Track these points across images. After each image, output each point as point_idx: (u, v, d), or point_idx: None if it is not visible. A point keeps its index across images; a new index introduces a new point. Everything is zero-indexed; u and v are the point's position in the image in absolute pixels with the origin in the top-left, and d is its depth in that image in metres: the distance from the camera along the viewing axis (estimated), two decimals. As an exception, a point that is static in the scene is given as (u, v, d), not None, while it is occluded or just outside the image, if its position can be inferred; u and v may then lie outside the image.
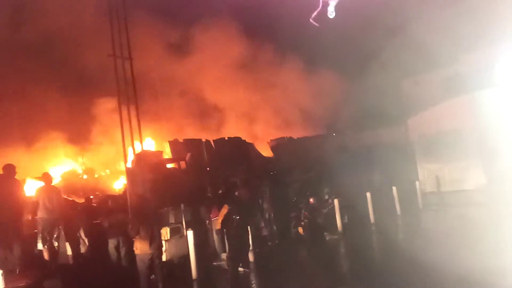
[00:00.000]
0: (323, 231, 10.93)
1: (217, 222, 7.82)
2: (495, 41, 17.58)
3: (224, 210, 7.64)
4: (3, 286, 6.24)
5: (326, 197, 12.17)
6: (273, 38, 18.98)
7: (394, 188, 12.31)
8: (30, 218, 8.17)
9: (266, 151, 16.26)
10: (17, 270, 7.22)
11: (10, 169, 8.01)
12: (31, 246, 7.75)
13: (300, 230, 11.00)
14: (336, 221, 11.02)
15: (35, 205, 8.00)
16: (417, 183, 13.77)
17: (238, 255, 7.73)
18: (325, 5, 1.68)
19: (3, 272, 6.26)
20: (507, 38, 16.75)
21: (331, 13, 1.69)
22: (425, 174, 15.87)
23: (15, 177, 8.04)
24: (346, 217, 11.38)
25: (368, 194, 11.69)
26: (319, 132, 18.75)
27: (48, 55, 15.51)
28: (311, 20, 1.70)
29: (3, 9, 13.57)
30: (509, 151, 13.50)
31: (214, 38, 18.30)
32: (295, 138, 17.80)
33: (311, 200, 11.65)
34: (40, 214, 7.81)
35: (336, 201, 11.09)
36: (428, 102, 16.50)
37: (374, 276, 7.10)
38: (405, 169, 14.39)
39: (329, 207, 11.58)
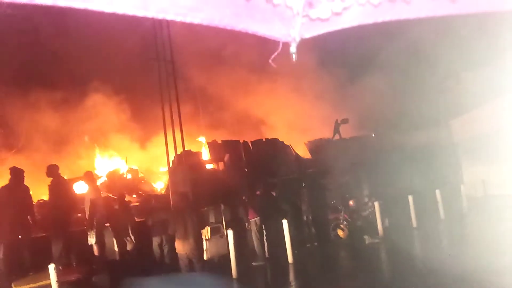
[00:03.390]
0: (363, 234, 10.77)
1: None
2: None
3: None
4: (56, 280, 6.60)
5: (366, 199, 11.98)
6: (310, 45, 18.84)
7: (437, 192, 11.90)
8: (80, 215, 8.59)
9: (303, 153, 16.18)
10: (74, 264, 7.66)
11: (53, 169, 8.43)
12: (81, 242, 8.14)
13: (340, 232, 10.90)
14: (376, 224, 10.82)
15: (86, 203, 8.40)
16: (461, 186, 13.26)
17: None
18: (286, 47, 1.86)
19: (56, 266, 6.65)
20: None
21: (293, 53, 1.84)
22: (470, 177, 15.28)
23: (61, 176, 8.52)
24: (387, 220, 11.15)
25: (410, 198, 11.38)
26: (357, 133, 18.46)
27: (93, 60, 16.19)
28: (270, 62, 1.86)
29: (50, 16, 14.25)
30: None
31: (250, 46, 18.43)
32: (332, 139, 17.60)
33: (351, 202, 11.51)
34: (91, 210, 8.19)
35: (376, 204, 10.88)
36: (472, 103, 15.87)
37: (415, 283, 6.92)
38: (448, 171, 13.90)
39: (369, 210, 11.40)
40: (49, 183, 8.34)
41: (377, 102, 18.91)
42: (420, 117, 17.60)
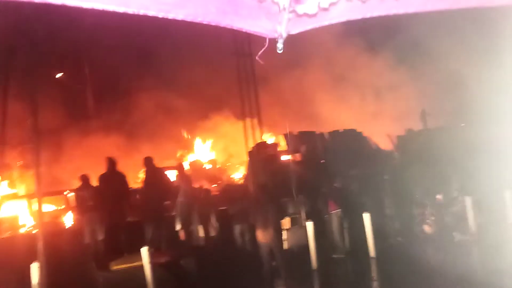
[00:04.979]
0: (452, 230, 10.06)
1: None
2: None
3: None
4: (149, 261, 7.15)
5: (455, 194, 11.16)
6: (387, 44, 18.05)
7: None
8: (170, 202, 9.19)
9: (385, 145, 15.50)
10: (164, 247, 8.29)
11: (150, 160, 9.19)
12: (171, 227, 8.70)
13: (426, 228, 10.31)
14: (467, 220, 10.04)
15: (176, 190, 8.97)
16: None
17: None
18: (273, 42, 1.85)
19: (148, 249, 7.21)
20: None
21: (280, 49, 1.81)
22: None
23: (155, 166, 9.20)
24: (479, 216, 10.28)
25: (508, 192, 10.35)
26: (442, 123, 17.18)
27: (177, 57, 17.07)
28: (257, 58, 1.86)
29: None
30: None
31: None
32: (415, 130, 16.59)
33: (438, 196, 10.82)
34: (179, 198, 8.74)
35: (467, 199, 10.09)
36: None
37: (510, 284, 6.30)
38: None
39: (459, 205, 10.60)
40: (144, 173, 9.08)
41: (465, 89, 17.45)
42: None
